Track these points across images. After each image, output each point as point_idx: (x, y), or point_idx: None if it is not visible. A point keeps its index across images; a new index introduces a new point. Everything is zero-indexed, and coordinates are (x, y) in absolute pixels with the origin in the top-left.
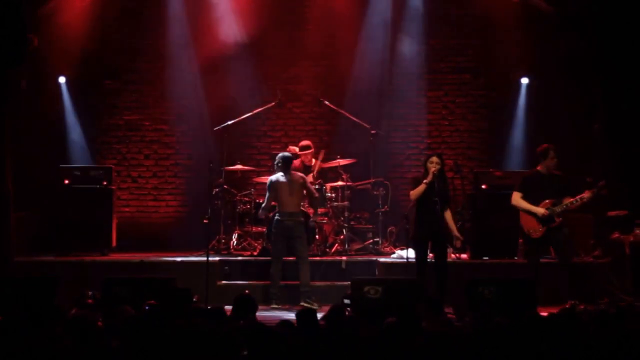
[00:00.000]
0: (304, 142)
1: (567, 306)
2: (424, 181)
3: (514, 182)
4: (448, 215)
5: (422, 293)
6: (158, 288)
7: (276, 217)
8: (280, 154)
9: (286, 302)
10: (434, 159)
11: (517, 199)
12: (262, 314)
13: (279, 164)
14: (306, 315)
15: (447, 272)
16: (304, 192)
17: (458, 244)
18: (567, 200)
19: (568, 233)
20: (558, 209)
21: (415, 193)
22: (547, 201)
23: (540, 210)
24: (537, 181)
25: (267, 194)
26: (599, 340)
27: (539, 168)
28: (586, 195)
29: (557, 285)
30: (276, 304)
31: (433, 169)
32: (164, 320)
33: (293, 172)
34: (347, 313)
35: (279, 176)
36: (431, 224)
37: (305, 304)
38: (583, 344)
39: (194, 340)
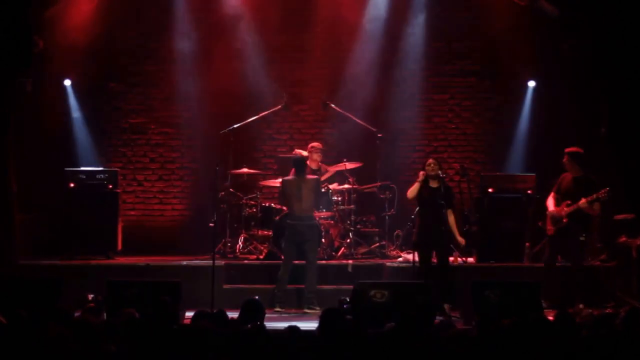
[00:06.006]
0: (313, 143)
1: (573, 309)
2: (417, 180)
3: (521, 186)
4: (451, 219)
5: (429, 296)
6: (163, 291)
7: (287, 221)
8: (294, 157)
9: (292, 306)
10: (430, 161)
11: (548, 198)
12: (268, 317)
13: (293, 166)
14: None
15: (448, 275)
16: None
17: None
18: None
19: (584, 240)
20: (568, 210)
21: (410, 191)
22: (563, 204)
23: (550, 210)
24: (565, 183)
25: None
26: (605, 344)
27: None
28: (595, 197)
29: (564, 289)
30: (280, 307)
31: (423, 172)
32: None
33: (307, 175)
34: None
35: (290, 178)
36: (433, 227)
37: (308, 310)
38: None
39: (197, 343)
